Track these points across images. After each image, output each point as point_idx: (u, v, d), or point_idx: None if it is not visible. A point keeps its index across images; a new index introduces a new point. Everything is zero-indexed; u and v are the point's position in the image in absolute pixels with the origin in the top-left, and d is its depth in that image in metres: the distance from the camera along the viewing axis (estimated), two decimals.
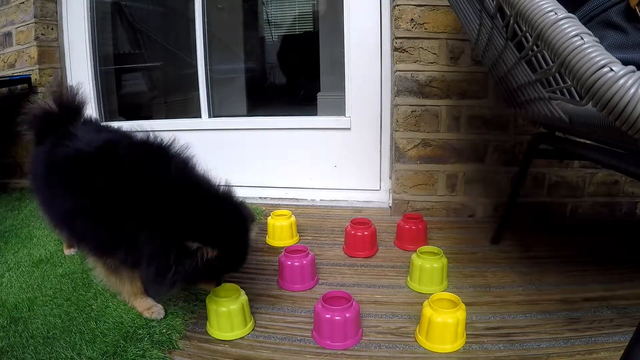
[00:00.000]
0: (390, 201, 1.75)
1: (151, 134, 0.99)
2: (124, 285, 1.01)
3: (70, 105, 1.12)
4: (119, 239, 0.89)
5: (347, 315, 0.90)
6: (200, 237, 0.83)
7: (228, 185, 0.97)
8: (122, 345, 0.90)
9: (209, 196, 0.91)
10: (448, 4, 1.22)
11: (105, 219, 0.90)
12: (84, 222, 0.93)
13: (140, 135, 1.01)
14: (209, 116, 2.04)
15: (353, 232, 1.33)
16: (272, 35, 3.34)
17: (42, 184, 1.05)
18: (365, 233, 1.33)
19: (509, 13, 0.72)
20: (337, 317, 0.89)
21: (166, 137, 0.99)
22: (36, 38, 1.94)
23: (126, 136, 1.04)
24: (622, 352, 0.68)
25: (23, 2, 1.93)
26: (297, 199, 1.90)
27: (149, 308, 1.02)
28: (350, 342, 0.91)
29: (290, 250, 1.18)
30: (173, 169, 0.91)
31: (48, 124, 1.10)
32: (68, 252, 1.36)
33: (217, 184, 0.96)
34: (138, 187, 0.87)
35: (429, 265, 1.11)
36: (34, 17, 1.92)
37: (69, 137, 1.00)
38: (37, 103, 1.12)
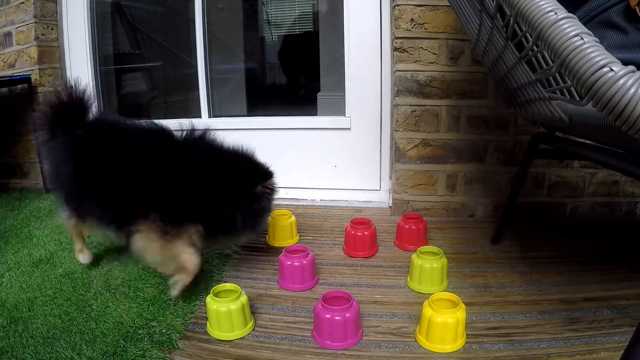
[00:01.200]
0: (390, 201, 1.75)
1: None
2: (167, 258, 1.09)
3: (83, 98, 1.16)
4: (204, 209, 1.06)
5: (347, 315, 0.90)
6: (258, 180, 1.11)
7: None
8: (122, 345, 0.90)
9: (241, 155, 1.15)
10: (448, 4, 1.22)
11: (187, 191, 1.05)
12: (162, 198, 1.05)
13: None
14: (209, 116, 2.04)
15: (353, 232, 1.33)
16: (272, 35, 3.34)
17: (87, 170, 1.09)
18: (365, 233, 1.33)
19: (509, 13, 0.72)
20: (337, 317, 0.89)
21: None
22: (36, 38, 1.94)
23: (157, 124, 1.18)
24: (622, 352, 0.68)
25: (23, 2, 1.93)
26: (297, 199, 1.90)
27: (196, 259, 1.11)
28: (350, 342, 0.91)
29: (290, 250, 1.18)
30: (218, 146, 1.13)
31: (64, 115, 1.13)
32: (83, 257, 1.24)
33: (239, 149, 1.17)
34: (206, 163, 1.08)
35: (429, 265, 1.11)
36: (34, 17, 1.92)
37: (104, 126, 1.14)
38: (50, 96, 1.14)
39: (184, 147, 1.10)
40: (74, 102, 1.13)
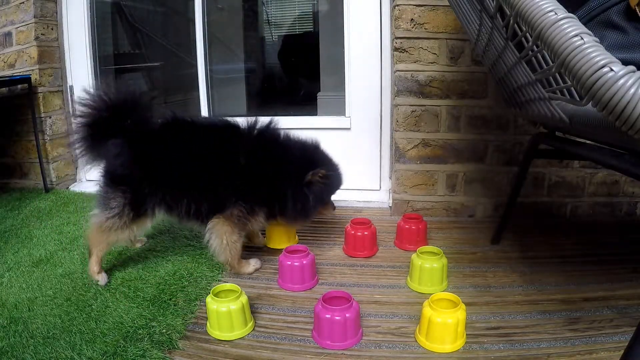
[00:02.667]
0: (390, 201, 1.75)
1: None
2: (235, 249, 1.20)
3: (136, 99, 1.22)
4: (273, 192, 1.19)
5: (347, 315, 0.90)
6: (310, 167, 1.20)
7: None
8: (122, 345, 0.90)
9: (300, 145, 1.26)
10: (448, 4, 1.22)
11: (256, 180, 1.18)
12: (233, 186, 1.17)
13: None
14: (209, 116, 2.04)
15: (353, 232, 1.33)
16: (272, 35, 3.34)
17: (168, 162, 1.17)
18: (366, 233, 1.33)
19: (509, 13, 0.72)
20: (337, 317, 0.89)
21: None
22: (36, 38, 1.94)
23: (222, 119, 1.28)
24: (622, 352, 0.68)
25: (23, 2, 1.93)
26: None
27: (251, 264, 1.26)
28: (350, 342, 0.91)
29: (290, 250, 1.18)
30: (279, 136, 1.25)
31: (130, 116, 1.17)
32: (102, 278, 1.18)
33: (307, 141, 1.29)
34: (270, 153, 1.20)
35: (429, 265, 1.11)
36: (34, 17, 1.92)
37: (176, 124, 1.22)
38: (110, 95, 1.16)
39: (249, 139, 1.21)
40: (134, 102, 1.19)
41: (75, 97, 2.11)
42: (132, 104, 1.18)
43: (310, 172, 1.19)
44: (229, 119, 1.25)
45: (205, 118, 1.26)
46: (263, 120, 1.25)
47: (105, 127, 1.14)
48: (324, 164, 1.24)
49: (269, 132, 1.24)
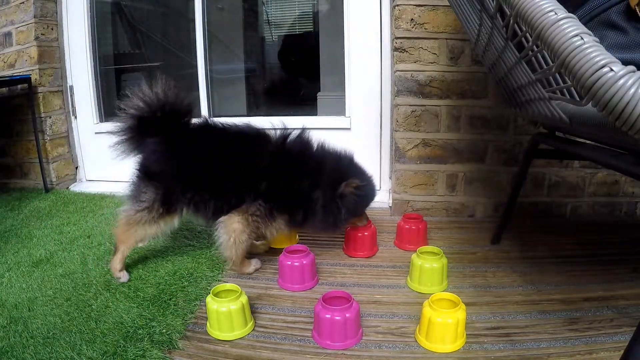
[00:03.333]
0: (390, 201, 1.75)
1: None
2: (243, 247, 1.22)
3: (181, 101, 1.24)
4: (299, 199, 1.19)
5: (347, 315, 0.90)
6: (343, 178, 1.19)
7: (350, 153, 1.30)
8: (122, 345, 0.90)
9: (342, 157, 1.27)
10: (448, 4, 1.22)
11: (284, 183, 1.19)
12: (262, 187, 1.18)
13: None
14: (209, 116, 2.03)
15: (353, 232, 1.33)
16: (272, 35, 3.34)
17: (200, 164, 1.19)
18: (366, 233, 1.33)
19: (509, 13, 0.72)
20: (337, 317, 0.89)
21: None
22: (36, 38, 1.94)
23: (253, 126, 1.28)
24: (622, 352, 0.68)
25: (23, 2, 1.93)
26: None
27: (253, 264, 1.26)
28: (350, 342, 0.91)
29: (290, 250, 1.18)
30: (314, 145, 1.26)
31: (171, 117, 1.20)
32: (124, 276, 1.19)
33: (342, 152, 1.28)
34: (301, 159, 1.21)
35: (429, 265, 1.11)
36: (34, 17, 1.92)
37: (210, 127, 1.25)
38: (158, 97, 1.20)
39: (277, 144, 1.22)
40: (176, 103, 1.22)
41: (76, 96, 2.12)
42: (177, 105, 1.20)
43: (343, 183, 1.18)
44: (262, 127, 1.25)
45: (237, 125, 1.25)
46: (294, 129, 1.26)
47: (150, 123, 1.17)
48: (357, 175, 1.22)
49: (300, 140, 1.24)
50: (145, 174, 1.18)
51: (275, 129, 1.24)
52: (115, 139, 1.19)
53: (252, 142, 1.23)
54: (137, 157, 1.22)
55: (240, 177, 1.19)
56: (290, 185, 1.19)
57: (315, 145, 1.26)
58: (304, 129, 1.26)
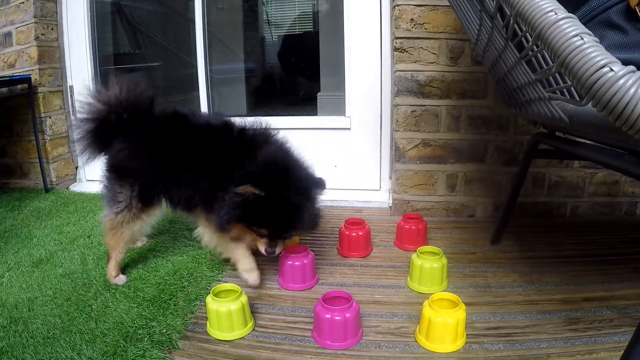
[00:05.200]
0: (390, 201, 1.75)
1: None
2: (232, 248, 1.17)
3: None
4: (211, 193, 1.09)
5: (347, 315, 0.90)
6: (250, 180, 1.01)
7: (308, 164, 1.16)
8: (122, 345, 0.90)
9: (278, 157, 1.11)
10: (448, 4, 1.22)
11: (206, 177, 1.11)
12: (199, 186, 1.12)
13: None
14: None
15: (347, 232, 1.33)
16: (272, 35, 3.33)
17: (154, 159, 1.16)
18: (360, 233, 1.32)
19: (509, 13, 0.72)
20: (337, 317, 0.89)
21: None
22: (36, 38, 1.94)
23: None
24: (622, 352, 0.68)
25: (23, 2, 1.93)
26: None
27: (249, 270, 1.16)
28: (350, 342, 0.91)
29: (290, 250, 1.18)
30: (244, 135, 1.15)
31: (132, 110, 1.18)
32: (119, 280, 1.19)
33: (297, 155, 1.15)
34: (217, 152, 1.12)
35: (429, 265, 1.11)
36: (34, 17, 1.92)
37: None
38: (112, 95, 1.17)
39: (230, 139, 1.16)
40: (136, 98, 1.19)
41: (76, 96, 2.12)
42: (136, 100, 1.18)
43: (241, 186, 1.01)
44: (230, 118, 1.21)
45: (205, 115, 1.23)
46: (257, 122, 1.19)
47: (111, 123, 1.15)
48: (270, 183, 1.03)
49: (253, 136, 1.16)
50: (117, 172, 1.17)
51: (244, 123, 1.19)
52: (79, 145, 1.19)
53: (212, 134, 1.17)
54: (104, 158, 1.20)
55: (200, 169, 1.14)
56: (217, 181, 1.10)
57: (269, 145, 1.14)
58: (268, 128, 1.19)
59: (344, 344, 0.91)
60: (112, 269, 1.18)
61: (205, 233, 1.21)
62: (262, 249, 1.11)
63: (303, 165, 1.14)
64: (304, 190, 1.07)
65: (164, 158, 1.16)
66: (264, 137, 1.17)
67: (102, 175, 1.20)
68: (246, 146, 1.12)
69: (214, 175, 1.10)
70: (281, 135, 1.20)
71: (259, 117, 1.22)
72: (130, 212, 1.16)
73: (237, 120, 1.21)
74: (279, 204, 1.03)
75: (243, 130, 1.17)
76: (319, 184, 1.13)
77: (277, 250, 1.11)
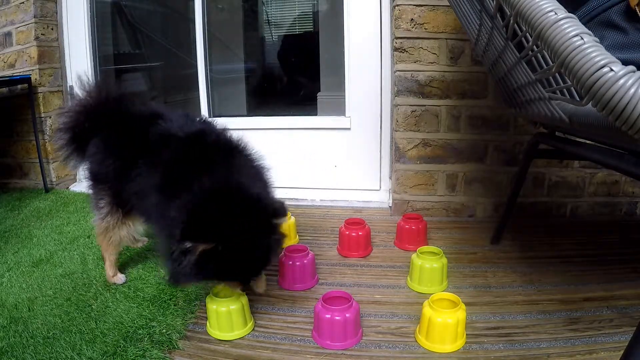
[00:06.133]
0: (390, 201, 1.75)
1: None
2: None
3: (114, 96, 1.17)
4: (163, 226, 0.93)
5: (347, 315, 0.90)
6: (197, 235, 0.83)
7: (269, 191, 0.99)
8: (122, 345, 0.90)
9: (227, 192, 0.88)
10: (448, 4, 1.22)
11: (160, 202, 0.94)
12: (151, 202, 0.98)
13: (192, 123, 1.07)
14: (209, 116, 2.04)
15: (347, 232, 1.33)
16: (272, 35, 3.34)
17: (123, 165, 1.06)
18: (360, 233, 1.32)
19: (509, 13, 0.72)
20: (337, 317, 0.89)
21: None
22: (36, 38, 1.94)
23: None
24: (622, 352, 0.68)
25: (23, 2, 1.93)
26: (297, 199, 1.90)
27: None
28: (350, 342, 0.91)
29: (290, 250, 1.18)
30: (203, 160, 0.95)
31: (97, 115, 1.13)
32: (117, 279, 1.19)
33: (256, 186, 0.95)
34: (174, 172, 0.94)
35: (429, 265, 1.11)
36: (34, 17, 1.92)
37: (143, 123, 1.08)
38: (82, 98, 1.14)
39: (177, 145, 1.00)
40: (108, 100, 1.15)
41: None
42: (110, 102, 1.14)
43: (187, 243, 0.82)
44: (209, 124, 1.08)
45: (176, 118, 1.07)
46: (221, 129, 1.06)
47: (86, 128, 1.13)
48: (222, 229, 0.84)
49: (213, 146, 1.00)
50: (94, 179, 1.14)
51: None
52: (61, 155, 1.17)
53: (169, 142, 1.01)
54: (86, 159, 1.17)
55: (150, 181, 0.99)
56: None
57: (222, 162, 0.95)
58: (224, 130, 1.05)
59: (344, 344, 0.91)
60: (108, 269, 1.18)
61: None
62: (235, 289, 0.96)
63: (260, 186, 0.97)
64: (264, 223, 0.90)
65: (122, 165, 1.06)
66: (223, 148, 1.00)
67: (85, 179, 1.19)
68: (199, 161, 0.95)
69: (163, 191, 0.94)
70: (241, 141, 1.05)
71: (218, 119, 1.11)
72: (114, 218, 1.13)
73: (213, 128, 1.08)
74: (240, 250, 0.86)
75: (202, 139, 1.01)
76: (279, 211, 0.92)
77: (254, 285, 1.01)
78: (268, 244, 0.91)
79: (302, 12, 3.21)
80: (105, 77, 1.18)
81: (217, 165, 0.94)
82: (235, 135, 1.07)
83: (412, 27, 1.53)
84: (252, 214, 0.87)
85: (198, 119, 1.13)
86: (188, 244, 0.82)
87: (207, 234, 0.83)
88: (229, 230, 0.84)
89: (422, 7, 1.51)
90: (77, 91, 1.16)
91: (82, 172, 1.22)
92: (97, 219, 1.15)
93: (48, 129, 2.03)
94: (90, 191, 1.17)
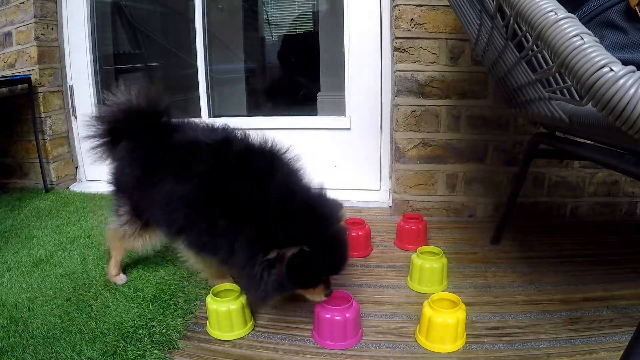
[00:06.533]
0: (391, 201, 1.75)
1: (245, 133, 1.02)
2: (209, 269, 1.09)
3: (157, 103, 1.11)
4: (219, 243, 0.90)
5: (347, 315, 0.90)
6: (280, 242, 0.81)
7: (320, 188, 0.96)
8: (122, 345, 0.90)
9: (298, 199, 0.88)
10: (448, 4, 1.22)
11: (208, 217, 0.90)
12: (188, 215, 0.93)
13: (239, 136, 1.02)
14: (209, 116, 2.04)
15: (347, 232, 1.32)
16: (272, 35, 3.33)
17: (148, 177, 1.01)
18: (360, 233, 1.32)
19: (509, 13, 0.72)
20: (337, 317, 0.89)
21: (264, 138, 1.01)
22: (36, 38, 1.94)
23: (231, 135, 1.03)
24: (622, 352, 0.68)
25: (23, 2, 1.93)
26: None
27: None
28: (350, 342, 0.91)
29: None
30: (269, 173, 0.91)
31: (137, 120, 1.08)
32: (118, 279, 1.18)
33: (307, 186, 0.94)
34: (238, 188, 0.89)
35: (429, 265, 1.11)
36: (34, 17, 1.92)
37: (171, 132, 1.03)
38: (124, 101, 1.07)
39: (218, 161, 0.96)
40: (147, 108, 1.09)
41: (76, 96, 2.12)
42: (147, 109, 1.08)
43: (276, 251, 0.81)
44: (236, 135, 1.02)
45: (207, 129, 1.03)
46: (268, 145, 0.99)
47: (122, 129, 1.08)
48: (308, 233, 0.84)
49: (259, 157, 0.97)
50: (116, 185, 1.11)
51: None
52: (90, 143, 1.11)
53: (201, 152, 0.97)
54: (110, 164, 1.13)
55: (176, 194, 0.95)
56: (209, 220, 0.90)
57: (280, 174, 0.92)
58: (272, 145, 0.99)
59: (344, 344, 0.91)
60: (112, 267, 1.18)
61: (189, 257, 1.07)
62: (319, 297, 0.93)
63: (316, 186, 0.96)
64: (336, 219, 0.92)
65: (148, 176, 1.01)
66: (269, 159, 0.96)
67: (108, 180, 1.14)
68: (244, 168, 0.93)
69: (206, 202, 0.91)
70: (285, 149, 1.01)
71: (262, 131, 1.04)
72: (131, 229, 1.10)
73: (239, 136, 1.02)
74: (328, 247, 0.87)
75: (246, 151, 0.98)
76: (341, 206, 0.95)
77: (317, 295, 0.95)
78: (345, 239, 0.92)
79: (302, 12, 3.21)
80: (153, 88, 1.11)
81: (266, 170, 0.92)
82: (260, 136, 1.03)
83: (412, 27, 1.53)
84: (324, 211, 0.89)
85: (217, 126, 1.08)
86: (274, 253, 0.81)
87: (292, 237, 0.82)
88: (311, 230, 0.84)
89: (422, 7, 1.51)
90: (123, 93, 1.08)
91: (105, 172, 1.15)
92: (115, 225, 1.13)
93: (48, 129, 2.03)
94: (112, 195, 1.14)
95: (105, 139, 1.11)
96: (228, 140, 0.99)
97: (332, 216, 0.90)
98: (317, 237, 0.85)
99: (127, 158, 1.07)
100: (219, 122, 1.11)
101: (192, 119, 1.14)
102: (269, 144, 0.99)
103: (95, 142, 1.12)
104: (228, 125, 1.07)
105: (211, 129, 1.05)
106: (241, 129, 1.04)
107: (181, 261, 1.13)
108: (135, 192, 1.06)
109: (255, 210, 0.85)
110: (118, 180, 1.11)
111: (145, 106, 1.08)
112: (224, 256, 0.91)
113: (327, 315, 0.90)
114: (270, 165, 0.94)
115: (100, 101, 1.11)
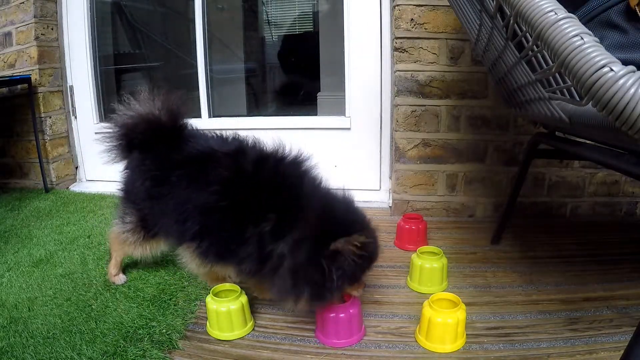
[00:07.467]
0: (391, 201, 1.75)
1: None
2: (207, 272, 1.07)
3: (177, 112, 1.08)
4: (249, 250, 0.88)
5: (350, 311, 0.90)
6: (342, 231, 0.83)
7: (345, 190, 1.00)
8: (122, 345, 0.90)
9: (336, 199, 0.95)
10: (448, 4, 1.22)
11: (236, 225, 0.90)
12: (207, 224, 0.93)
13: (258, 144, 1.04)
14: (209, 116, 2.04)
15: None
16: (272, 35, 3.34)
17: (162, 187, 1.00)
18: None
19: (509, 13, 0.72)
20: (341, 315, 0.90)
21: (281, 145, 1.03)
22: (36, 38, 1.94)
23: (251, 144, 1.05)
24: (622, 352, 0.68)
25: (23, 2, 1.93)
26: None
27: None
28: (356, 337, 0.92)
29: None
30: (299, 178, 0.96)
31: (157, 130, 1.06)
32: (118, 279, 1.19)
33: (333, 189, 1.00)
34: (269, 192, 0.90)
35: (429, 265, 1.11)
36: (34, 17, 1.92)
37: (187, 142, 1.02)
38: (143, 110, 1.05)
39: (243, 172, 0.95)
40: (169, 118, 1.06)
41: (76, 96, 2.11)
42: (166, 119, 1.05)
43: (342, 240, 0.81)
44: (249, 145, 1.03)
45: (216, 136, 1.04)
46: (284, 152, 1.02)
47: (138, 135, 1.05)
48: (362, 227, 0.90)
49: (285, 167, 0.97)
50: (125, 195, 1.11)
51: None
52: (106, 143, 1.09)
53: (212, 163, 0.96)
54: (122, 169, 1.11)
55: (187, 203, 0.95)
56: (240, 226, 0.89)
57: (305, 179, 0.97)
58: (295, 154, 1.01)
59: (350, 340, 0.91)
60: (112, 267, 1.18)
61: (189, 262, 1.05)
62: (357, 293, 0.94)
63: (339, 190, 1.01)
64: (366, 218, 0.97)
65: (160, 188, 1.00)
66: (292, 172, 0.98)
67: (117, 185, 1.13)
68: (268, 176, 0.94)
69: (231, 212, 0.91)
70: (308, 161, 1.05)
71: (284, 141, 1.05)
72: (134, 237, 1.10)
73: (248, 142, 1.04)
74: (369, 244, 0.88)
75: (268, 159, 0.98)
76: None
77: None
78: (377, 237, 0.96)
79: (302, 12, 3.21)
80: (174, 97, 1.08)
81: (292, 177, 0.96)
82: (271, 142, 1.05)
83: (412, 27, 1.53)
84: (358, 211, 0.96)
85: (227, 135, 1.08)
86: (341, 242, 0.81)
87: (346, 230, 0.83)
88: (359, 223, 0.90)
89: (422, 7, 1.51)
90: (146, 102, 1.05)
91: (105, 173, 1.14)
92: (118, 229, 1.12)
93: (48, 129, 2.03)
94: (120, 200, 1.13)
95: (119, 142, 1.09)
96: (242, 149, 1.00)
97: (363, 212, 0.97)
98: (365, 229, 0.90)
99: (138, 170, 1.06)
100: (219, 122, 1.11)
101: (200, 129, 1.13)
102: (283, 151, 1.03)
103: (110, 144, 1.10)
104: (238, 135, 1.07)
105: (223, 139, 1.05)
106: (241, 129, 1.04)
107: (180, 265, 1.12)
108: (146, 204, 1.05)
109: (301, 213, 0.87)
110: (128, 191, 1.10)
111: (166, 120, 1.05)
112: (252, 263, 0.90)
113: (332, 314, 0.90)
114: (296, 173, 0.98)
115: (122, 103, 1.08)
